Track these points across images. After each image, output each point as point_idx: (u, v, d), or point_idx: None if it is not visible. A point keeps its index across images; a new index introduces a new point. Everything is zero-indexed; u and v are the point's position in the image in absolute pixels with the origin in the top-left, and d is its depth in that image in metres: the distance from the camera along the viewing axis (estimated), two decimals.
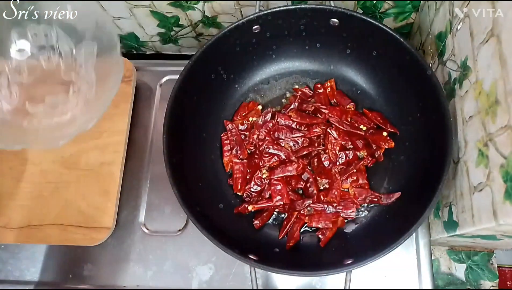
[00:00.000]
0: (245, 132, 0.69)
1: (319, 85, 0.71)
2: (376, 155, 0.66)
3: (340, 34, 0.65)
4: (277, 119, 0.68)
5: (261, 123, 0.68)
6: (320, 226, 0.62)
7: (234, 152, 0.67)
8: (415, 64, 0.59)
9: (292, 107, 0.69)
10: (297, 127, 0.68)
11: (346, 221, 0.64)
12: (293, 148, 0.66)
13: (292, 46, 0.70)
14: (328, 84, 0.70)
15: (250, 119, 0.70)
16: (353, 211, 0.62)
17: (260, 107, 0.71)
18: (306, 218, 0.63)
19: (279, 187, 0.63)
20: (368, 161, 0.65)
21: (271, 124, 0.67)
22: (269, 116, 0.69)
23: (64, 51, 0.64)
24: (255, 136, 0.67)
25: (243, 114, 0.71)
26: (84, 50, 0.63)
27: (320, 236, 0.63)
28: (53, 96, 0.65)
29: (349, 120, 0.67)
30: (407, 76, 0.62)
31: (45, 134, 0.65)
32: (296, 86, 0.72)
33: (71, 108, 0.64)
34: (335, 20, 0.63)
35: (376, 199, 0.63)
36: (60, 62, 0.64)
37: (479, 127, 0.47)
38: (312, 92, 0.71)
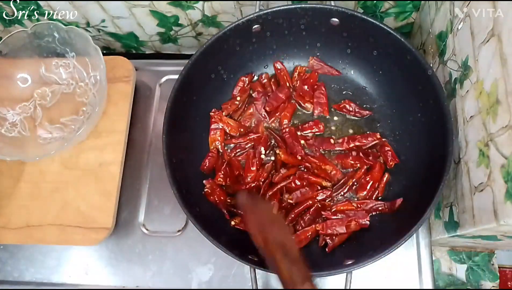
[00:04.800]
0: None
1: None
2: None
3: (340, 34, 0.65)
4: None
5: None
6: (335, 232, 0.61)
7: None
8: (415, 64, 0.59)
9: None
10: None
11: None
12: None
13: (292, 45, 0.70)
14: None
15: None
16: (367, 220, 0.61)
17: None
18: (318, 226, 0.61)
19: None
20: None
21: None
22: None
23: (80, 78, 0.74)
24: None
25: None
26: (93, 78, 0.73)
27: (328, 241, 0.61)
28: (67, 117, 0.74)
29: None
30: (407, 75, 0.62)
31: (49, 148, 0.69)
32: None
33: (80, 126, 0.69)
34: (336, 19, 0.63)
35: (380, 208, 0.62)
36: (76, 87, 0.75)
37: (480, 127, 0.47)
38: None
